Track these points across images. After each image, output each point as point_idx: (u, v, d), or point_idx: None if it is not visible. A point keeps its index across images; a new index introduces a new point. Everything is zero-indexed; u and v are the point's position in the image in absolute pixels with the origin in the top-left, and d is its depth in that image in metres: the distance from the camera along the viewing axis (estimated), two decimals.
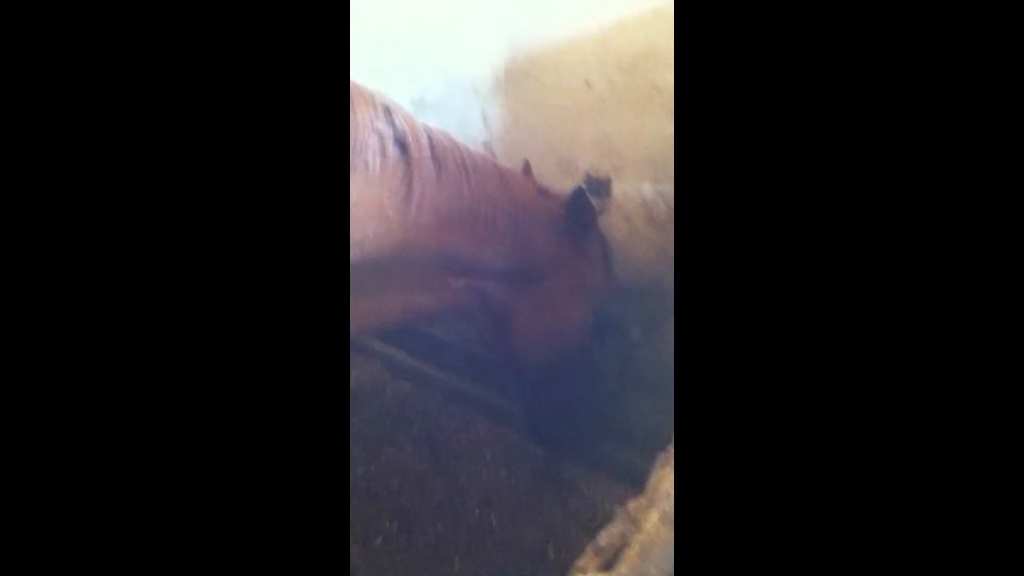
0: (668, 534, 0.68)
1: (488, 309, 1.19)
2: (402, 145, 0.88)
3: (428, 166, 0.90)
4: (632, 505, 0.74)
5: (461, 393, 1.76)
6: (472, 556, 1.30)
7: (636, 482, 0.94)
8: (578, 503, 1.42)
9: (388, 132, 0.87)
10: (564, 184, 1.42)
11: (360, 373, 1.85)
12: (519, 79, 1.67)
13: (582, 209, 1.24)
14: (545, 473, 1.51)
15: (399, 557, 1.30)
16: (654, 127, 1.45)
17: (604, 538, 0.71)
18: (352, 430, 1.60)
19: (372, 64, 1.58)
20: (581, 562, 0.71)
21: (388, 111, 0.88)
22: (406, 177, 0.88)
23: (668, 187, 1.46)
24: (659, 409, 1.16)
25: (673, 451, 0.86)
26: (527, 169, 1.42)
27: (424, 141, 0.91)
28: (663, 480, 0.79)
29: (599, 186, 1.55)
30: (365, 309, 0.96)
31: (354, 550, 1.30)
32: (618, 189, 1.56)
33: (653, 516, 0.69)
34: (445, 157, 0.94)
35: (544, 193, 1.29)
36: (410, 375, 1.86)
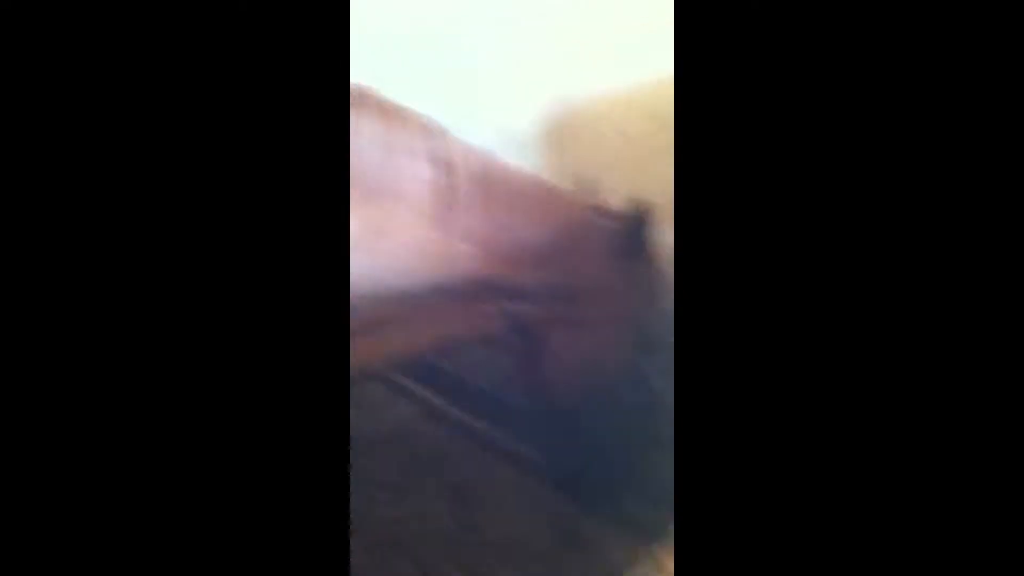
0: None
1: (523, 338, 1.13)
2: (443, 168, 0.86)
3: (470, 190, 0.88)
4: (657, 548, 0.71)
5: (488, 437, 1.73)
6: None
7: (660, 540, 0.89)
8: (598, 558, 1.37)
9: (429, 154, 0.85)
10: None
11: (387, 411, 1.83)
12: (557, 128, 1.71)
13: (642, 231, 1.18)
14: (567, 527, 1.46)
15: None
16: None
17: None
18: (376, 470, 1.59)
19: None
20: None
21: (430, 132, 0.87)
22: (445, 202, 0.86)
23: None
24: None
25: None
26: (593, 188, 1.35)
27: (467, 163, 0.89)
28: None
29: None
30: (396, 340, 0.94)
31: None
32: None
33: None
34: (490, 179, 0.91)
35: (604, 214, 1.22)
36: (439, 415, 1.84)
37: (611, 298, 1.20)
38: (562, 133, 1.70)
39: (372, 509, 1.50)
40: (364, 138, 0.79)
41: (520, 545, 1.41)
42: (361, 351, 0.89)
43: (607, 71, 1.57)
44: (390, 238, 0.83)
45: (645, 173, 1.56)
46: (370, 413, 1.80)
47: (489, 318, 1.02)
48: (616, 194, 1.61)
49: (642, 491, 1.41)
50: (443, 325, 0.98)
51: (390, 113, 0.84)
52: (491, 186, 0.91)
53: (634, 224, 1.18)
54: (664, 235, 1.52)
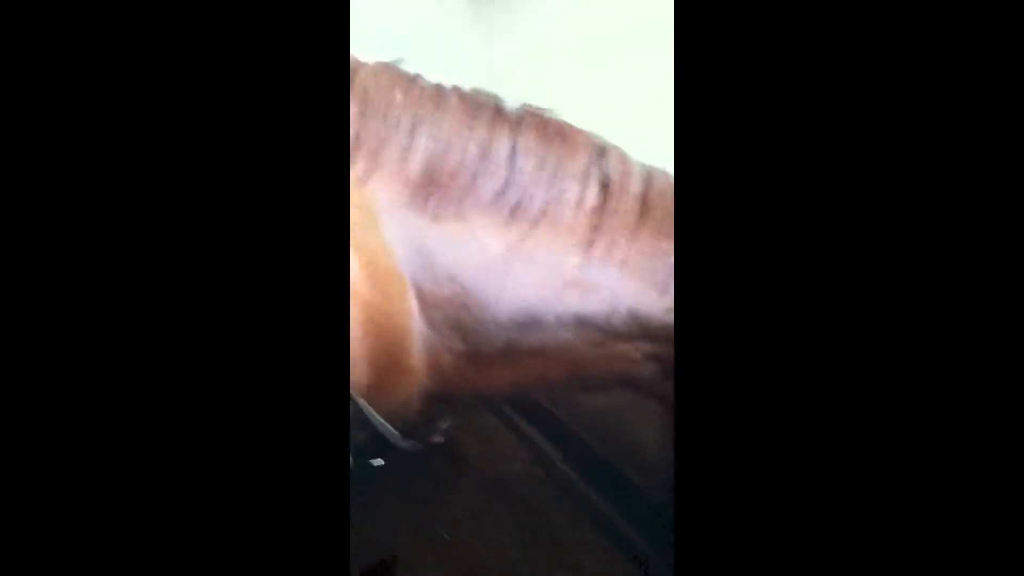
0: None
1: (667, 384, 0.99)
2: (603, 190, 0.80)
3: (627, 214, 0.80)
4: None
5: (592, 505, 1.62)
6: None
7: None
8: None
9: (594, 176, 0.80)
10: None
11: (496, 443, 1.79)
12: None
13: None
14: None
15: None
16: None
17: None
18: (472, 500, 1.56)
19: None
20: None
21: (602, 152, 0.82)
22: (597, 226, 0.79)
23: None
24: None
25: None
26: None
27: (635, 186, 0.82)
28: None
29: None
30: (527, 370, 0.87)
31: None
32: None
33: None
34: (654, 202, 0.83)
35: None
36: (546, 464, 1.76)
37: None
38: None
39: (462, 538, 1.47)
40: (522, 156, 0.77)
41: None
42: (489, 377, 0.85)
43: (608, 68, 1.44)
44: (534, 260, 0.78)
45: None
46: (478, 442, 1.76)
47: (631, 358, 0.89)
48: None
49: None
50: (579, 361, 0.86)
51: (551, 131, 0.80)
52: (652, 210, 0.81)
53: None
54: None
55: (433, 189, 0.75)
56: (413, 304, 0.78)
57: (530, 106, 0.81)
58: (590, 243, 0.79)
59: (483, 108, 0.79)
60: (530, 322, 0.81)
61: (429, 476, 1.27)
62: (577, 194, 0.79)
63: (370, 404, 0.80)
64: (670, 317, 0.84)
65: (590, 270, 0.80)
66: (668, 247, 0.82)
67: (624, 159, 0.84)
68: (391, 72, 0.79)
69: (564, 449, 1.79)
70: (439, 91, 0.78)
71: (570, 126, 0.83)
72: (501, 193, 0.76)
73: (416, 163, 0.74)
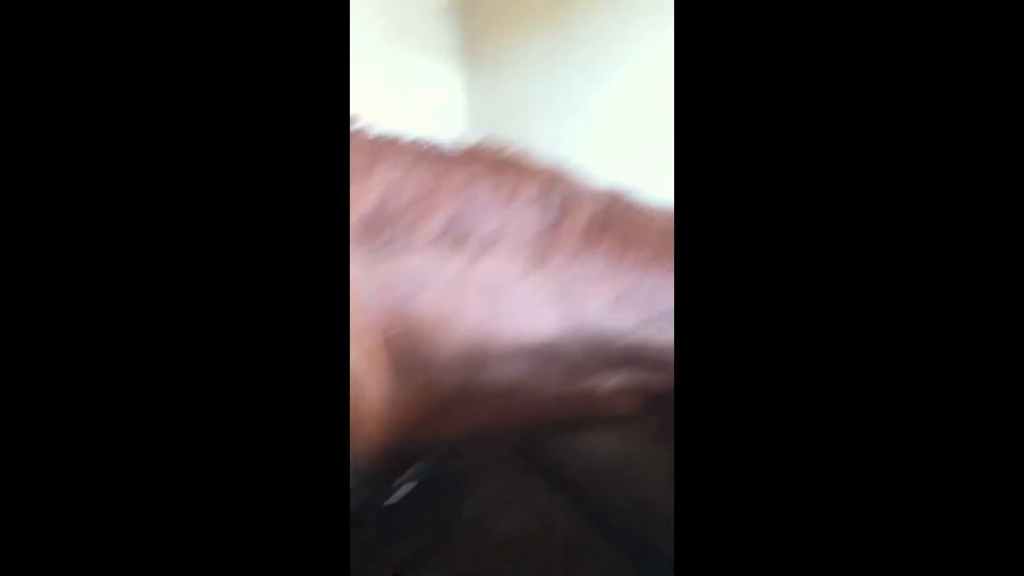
0: None
1: (660, 417, 0.94)
2: (556, 214, 0.80)
3: (577, 238, 0.79)
4: None
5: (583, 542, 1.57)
6: None
7: None
8: None
9: (547, 201, 0.80)
10: None
11: (492, 478, 1.75)
12: None
13: None
14: None
15: None
16: None
17: None
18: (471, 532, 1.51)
19: None
20: None
21: (556, 177, 0.82)
22: (541, 254, 0.78)
23: None
24: None
25: None
26: None
27: (590, 209, 0.81)
28: None
29: None
30: (510, 408, 0.83)
31: None
32: None
33: None
34: (613, 223, 0.82)
35: None
36: (541, 499, 1.71)
37: None
38: None
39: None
40: (473, 185, 0.78)
41: None
42: (447, 420, 0.82)
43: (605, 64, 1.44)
44: (482, 289, 0.76)
45: None
46: (475, 478, 1.71)
47: (617, 391, 0.85)
48: None
49: None
50: (543, 400, 0.83)
51: (504, 160, 0.81)
52: (609, 231, 0.80)
53: None
54: None
55: (385, 224, 0.75)
56: (369, 343, 0.76)
57: (486, 140, 0.82)
58: (531, 269, 0.77)
59: (437, 146, 0.80)
60: (509, 355, 0.78)
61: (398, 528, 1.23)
62: (528, 219, 0.78)
63: None
64: (657, 345, 0.82)
65: (540, 295, 0.78)
66: (630, 262, 0.80)
67: (579, 183, 0.83)
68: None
69: (562, 493, 1.73)
70: (395, 139, 0.81)
71: (523, 154, 0.83)
72: (451, 222, 0.76)
73: (370, 201, 0.75)
